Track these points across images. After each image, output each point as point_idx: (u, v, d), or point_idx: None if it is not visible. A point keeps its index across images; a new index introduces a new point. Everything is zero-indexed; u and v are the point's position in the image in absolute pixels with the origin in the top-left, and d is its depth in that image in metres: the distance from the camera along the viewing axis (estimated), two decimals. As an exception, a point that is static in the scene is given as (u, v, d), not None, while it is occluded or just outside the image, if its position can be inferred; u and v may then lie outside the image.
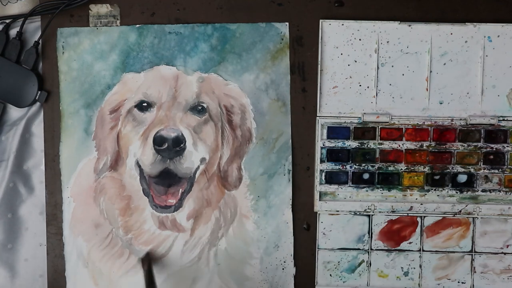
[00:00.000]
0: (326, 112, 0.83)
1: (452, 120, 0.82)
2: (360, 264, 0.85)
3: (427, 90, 0.82)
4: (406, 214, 0.84)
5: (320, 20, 0.82)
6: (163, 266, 0.84)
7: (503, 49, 0.82)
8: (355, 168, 0.83)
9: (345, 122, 0.83)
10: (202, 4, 0.84)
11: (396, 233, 0.84)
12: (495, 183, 0.83)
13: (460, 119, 0.83)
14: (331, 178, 0.83)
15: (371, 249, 0.84)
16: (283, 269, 0.85)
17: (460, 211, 0.83)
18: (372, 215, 0.84)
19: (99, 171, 0.84)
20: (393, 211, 0.83)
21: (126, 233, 0.84)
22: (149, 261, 0.82)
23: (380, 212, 0.83)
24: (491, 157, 0.83)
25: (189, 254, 0.84)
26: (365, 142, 0.83)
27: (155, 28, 0.83)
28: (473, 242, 0.84)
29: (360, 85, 0.83)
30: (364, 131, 0.83)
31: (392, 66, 0.82)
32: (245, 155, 0.84)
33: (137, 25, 0.83)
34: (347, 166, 0.83)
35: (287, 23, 0.83)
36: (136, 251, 0.84)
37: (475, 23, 0.82)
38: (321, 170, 0.83)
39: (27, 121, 0.85)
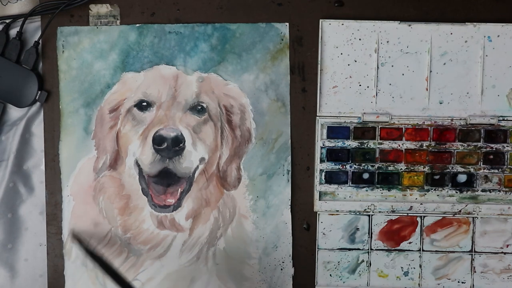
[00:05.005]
0: (326, 112, 0.83)
1: (452, 120, 0.82)
2: (360, 264, 0.85)
3: (427, 90, 0.82)
4: (406, 214, 0.84)
5: (320, 20, 0.82)
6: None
7: (503, 49, 0.82)
8: (355, 168, 0.83)
9: (345, 122, 0.83)
10: (202, 4, 0.84)
11: (396, 233, 0.84)
12: (495, 183, 0.83)
13: (460, 119, 0.82)
14: (331, 178, 0.83)
15: (371, 249, 0.84)
16: (281, 269, 0.85)
17: (460, 211, 0.83)
18: (372, 215, 0.84)
19: (99, 170, 0.84)
20: (393, 211, 0.83)
21: (124, 232, 0.84)
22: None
23: (380, 212, 0.83)
24: (491, 157, 0.83)
25: (188, 254, 0.84)
26: (365, 142, 0.83)
27: (155, 28, 0.83)
28: (473, 242, 0.84)
29: (360, 85, 0.83)
30: (364, 131, 0.83)
31: (392, 66, 0.82)
32: (244, 155, 0.84)
33: (137, 25, 0.83)
34: (347, 166, 0.83)
35: (287, 24, 0.83)
36: (134, 250, 0.84)
37: (475, 23, 0.82)
38: (321, 170, 0.83)
39: (27, 121, 0.85)
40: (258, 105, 0.84)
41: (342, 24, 0.82)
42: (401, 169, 0.83)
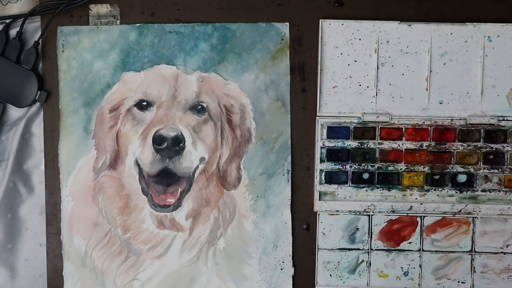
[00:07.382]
0: (326, 112, 0.83)
1: (452, 120, 0.82)
2: (360, 264, 0.84)
3: (427, 90, 0.82)
4: (406, 214, 0.83)
5: (320, 20, 0.82)
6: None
7: (503, 49, 0.82)
8: (355, 168, 0.83)
9: (345, 122, 0.83)
10: (202, 4, 0.84)
11: (396, 233, 0.84)
12: (494, 183, 0.83)
13: (460, 119, 0.82)
14: (331, 178, 0.83)
15: (371, 249, 0.84)
16: (281, 269, 0.85)
17: (460, 211, 0.83)
18: (372, 215, 0.84)
19: (98, 170, 0.84)
20: (393, 211, 0.83)
21: (124, 232, 0.84)
22: None
23: (380, 212, 0.83)
24: (491, 157, 0.83)
25: (188, 254, 0.84)
26: (365, 142, 0.83)
27: (155, 27, 0.83)
28: (473, 242, 0.84)
29: (360, 85, 0.83)
30: (364, 131, 0.83)
31: (392, 66, 0.82)
32: (244, 155, 0.84)
33: (137, 24, 0.83)
34: (347, 166, 0.83)
35: (287, 23, 0.83)
36: (134, 250, 0.84)
37: (475, 23, 0.82)
38: (320, 170, 0.83)
39: (27, 121, 0.85)
40: (258, 104, 0.84)
41: (342, 24, 0.82)
42: (401, 169, 0.83)
